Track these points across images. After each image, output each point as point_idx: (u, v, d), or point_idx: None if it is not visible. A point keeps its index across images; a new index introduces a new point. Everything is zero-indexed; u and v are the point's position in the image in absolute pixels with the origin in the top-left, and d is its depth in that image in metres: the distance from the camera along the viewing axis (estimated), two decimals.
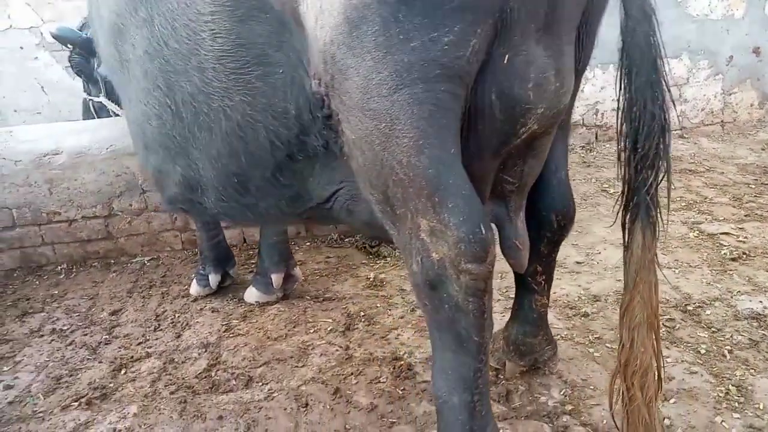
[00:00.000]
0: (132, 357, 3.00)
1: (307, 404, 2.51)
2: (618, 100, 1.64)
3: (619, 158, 1.70)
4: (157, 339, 3.18)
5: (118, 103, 3.99)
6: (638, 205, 1.66)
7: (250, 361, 2.87)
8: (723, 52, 6.05)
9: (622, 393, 1.77)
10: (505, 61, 1.56)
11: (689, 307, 3.05)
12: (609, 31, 1.85)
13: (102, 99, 4.14)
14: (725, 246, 3.74)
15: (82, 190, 4.04)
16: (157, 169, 2.35)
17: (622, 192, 1.71)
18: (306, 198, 2.09)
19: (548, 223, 2.07)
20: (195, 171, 2.16)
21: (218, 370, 2.82)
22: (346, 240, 4.36)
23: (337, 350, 2.91)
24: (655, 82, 1.57)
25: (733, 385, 2.41)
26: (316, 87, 1.72)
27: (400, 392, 2.54)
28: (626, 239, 1.73)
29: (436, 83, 1.46)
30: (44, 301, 3.75)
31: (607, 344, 2.78)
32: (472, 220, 1.51)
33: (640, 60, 1.57)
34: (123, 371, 2.88)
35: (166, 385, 2.73)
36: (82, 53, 4.08)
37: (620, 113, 1.64)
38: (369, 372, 2.70)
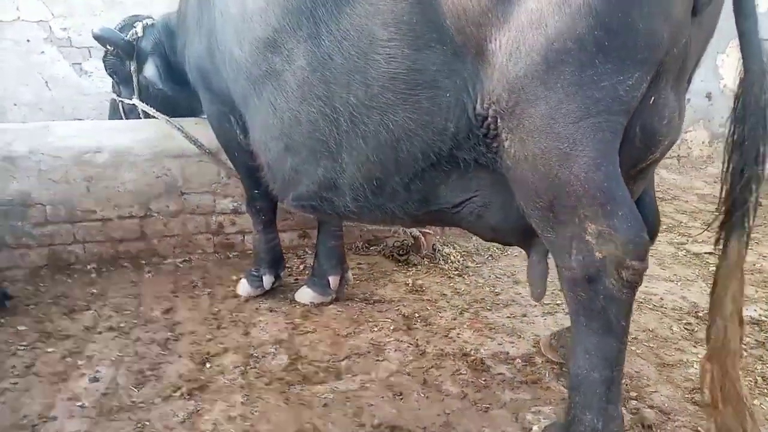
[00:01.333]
0: (209, 353, 3.12)
1: (401, 393, 2.77)
2: (728, 136, 2.04)
3: (723, 182, 2.09)
4: (225, 336, 3.31)
5: (156, 106, 4.08)
6: (737, 218, 2.06)
7: (330, 355, 3.08)
8: None
9: (713, 373, 2.15)
10: (651, 102, 1.95)
11: (699, 314, 3.56)
12: None
13: (135, 101, 4.19)
14: (711, 263, 4.32)
15: (121, 190, 4.09)
16: (294, 168, 2.57)
17: (724, 208, 2.09)
18: (433, 202, 2.39)
19: None
20: (338, 172, 2.41)
21: (303, 364, 3.01)
22: (372, 248, 4.62)
23: (408, 346, 3.18)
24: (763, 125, 1.97)
25: (758, 376, 2.90)
26: (481, 110, 2.04)
27: (483, 382, 2.85)
28: (723, 245, 2.11)
29: (615, 115, 1.83)
30: (86, 300, 3.75)
31: (644, 343, 3.22)
32: (637, 225, 1.88)
33: (754, 106, 1.98)
34: (208, 365, 3.01)
35: (257, 377, 2.90)
36: (119, 55, 4.13)
37: (730, 146, 2.02)
38: (447, 365, 2.99)
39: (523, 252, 4.46)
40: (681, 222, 5.27)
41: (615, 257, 1.88)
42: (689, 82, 2.26)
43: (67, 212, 4.05)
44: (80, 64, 5.50)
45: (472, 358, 3.06)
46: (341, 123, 2.29)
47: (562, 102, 1.82)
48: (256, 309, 3.64)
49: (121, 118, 4.43)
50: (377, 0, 2.07)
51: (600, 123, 1.82)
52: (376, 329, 3.37)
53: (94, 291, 3.88)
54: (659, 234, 4.91)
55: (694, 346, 3.19)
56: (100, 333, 3.36)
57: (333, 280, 3.61)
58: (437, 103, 2.09)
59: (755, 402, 2.69)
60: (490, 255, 4.50)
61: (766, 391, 2.79)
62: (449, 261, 4.34)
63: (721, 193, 2.12)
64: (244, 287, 3.77)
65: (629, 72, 1.78)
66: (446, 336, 3.29)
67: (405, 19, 2.03)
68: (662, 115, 1.99)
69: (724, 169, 2.08)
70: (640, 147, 2.00)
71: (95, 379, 2.88)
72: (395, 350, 3.14)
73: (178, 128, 4.01)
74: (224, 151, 3.57)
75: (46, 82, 5.50)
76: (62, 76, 5.52)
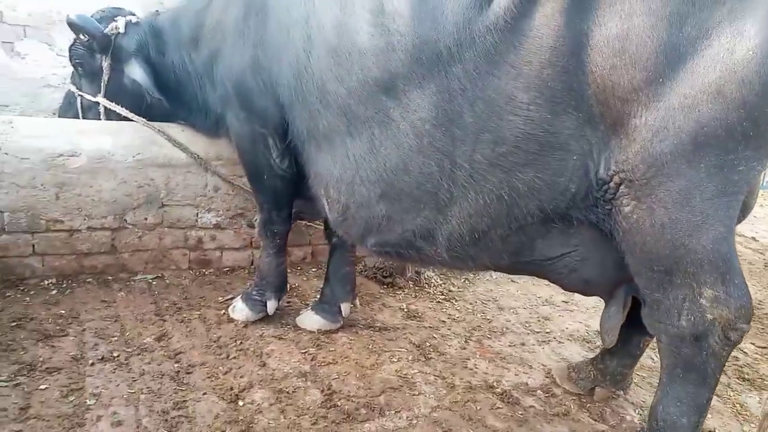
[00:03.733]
0: (232, 387, 2.92)
1: (450, 430, 2.80)
2: None
3: None
4: (240, 368, 3.11)
5: (131, 107, 3.72)
6: None
7: (365, 390, 3.02)
8: None
9: None
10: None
11: None
12: None
13: (100, 99, 3.78)
14: None
15: (96, 199, 3.65)
16: (387, 215, 2.48)
17: None
18: (526, 254, 2.47)
19: None
20: (439, 224, 2.38)
21: (340, 399, 2.92)
22: None
23: (435, 379, 3.21)
24: None
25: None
26: (604, 174, 2.16)
27: (521, 416, 2.97)
28: None
29: (741, 194, 2.04)
30: (57, 322, 3.31)
31: (645, 370, 3.53)
32: (747, 293, 2.10)
33: None
34: (240, 402, 2.81)
35: (299, 416, 2.76)
36: (92, 47, 3.70)
37: None
38: (480, 399, 3.07)
39: (496, 275, 4.69)
40: None
41: (726, 320, 2.09)
42: None
43: (29, 221, 3.53)
44: (12, 43, 4.78)
45: (499, 390, 3.16)
46: (459, 178, 2.28)
47: (702, 180, 1.98)
48: (261, 336, 3.45)
49: (76, 115, 3.96)
50: (522, 64, 2.09)
51: (731, 201, 2.01)
52: (395, 360, 3.35)
53: (62, 312, 3.43)
54: None
55: None
56: (92, 365, 2.99)
57: (345, 308, 3.53)
58: (564, 165, 2.17)
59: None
60: (466, 279, 4.65)
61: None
62: (432, 284, 4.42)
63: None
64: (242, 311, 3.55)
65: (761, 159, 2.00)
66: (465, 367, 3.36)
67: (549, 84, 2.07)
68: (753, 191, 2.25)
69: None
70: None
71: (118, 423, 2.58)
72: (425, 383, 3.15)
73: (160, 132, 3.69)
74: (248, 172, 3.33)
75: None
76: None
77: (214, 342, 3.33)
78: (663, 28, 1.93)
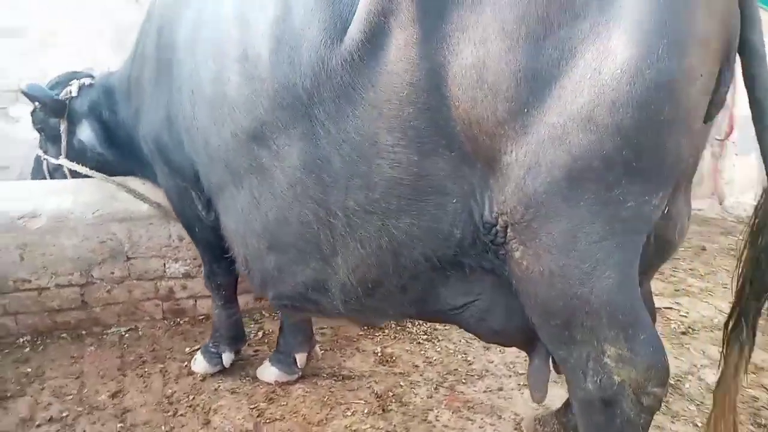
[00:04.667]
0: None
1: None
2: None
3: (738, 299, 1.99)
4: (183, 426, 3.01)
5: (91, 164, 3.75)
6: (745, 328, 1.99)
7: None
8: None
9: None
10: (665, 211, 1.87)
11: (671, 381, 3.54)
12: None
13: (62, 161, 3.82)
14: (672, 320, 4.37)
15: (60, 257, 3.71)
16: (277, 267, 2.35)
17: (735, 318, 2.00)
18: (431, 302, 2.24)
19: None
20: (329, 275, 2.21)
21: None
22: None
23: None
24: None
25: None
26: (489, 217, 1.90)
27: None
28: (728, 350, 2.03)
29: (639, 234, 1.74)
30: (20, 381, 3.36)
31: None
32: (659, 350, 1.78)
33: None
34: None
35: None
36: (48, 112, 3.77)
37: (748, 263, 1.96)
38: None
39: None
40: None
41: (635, 382, 1.78)
42: None
43: None
44: (6, 108, 5.03)
45: None
46: (337, 226, 2.10)
47: (585, 220, 1.70)
48: (216, 390, 3.35)
49: (44, 177, 4.05)
50: (382, 104, 1.89)
51: (624, 243, 1.72)
52: (349, 413, 3.15)
53: (29, 370, 3.48)
54: None
55: (672, 422, 3.15)
56: (39, 426, 2.99)
57: (300, 358, 3.38)
58: (444, 209, 1.95)
59: None
60: None
61: None
62: (415, 323, 4.18)
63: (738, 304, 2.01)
64: (201, 364, 3.47)
65: (655, 191, 1.69)
66: (425, 420, 3.11)
67: (412, 124, 1.86)
68: (675, 223, 1.93)
69: (738, 286, 1.98)
70: (653, 255, 1.92)
71: None
72: None
73: (120, 185, 3.70)
74: (183, 226, 3.29)
75: None
76: None
77: (167, 398, 3.26)
78: (520, 51, 1.68)
